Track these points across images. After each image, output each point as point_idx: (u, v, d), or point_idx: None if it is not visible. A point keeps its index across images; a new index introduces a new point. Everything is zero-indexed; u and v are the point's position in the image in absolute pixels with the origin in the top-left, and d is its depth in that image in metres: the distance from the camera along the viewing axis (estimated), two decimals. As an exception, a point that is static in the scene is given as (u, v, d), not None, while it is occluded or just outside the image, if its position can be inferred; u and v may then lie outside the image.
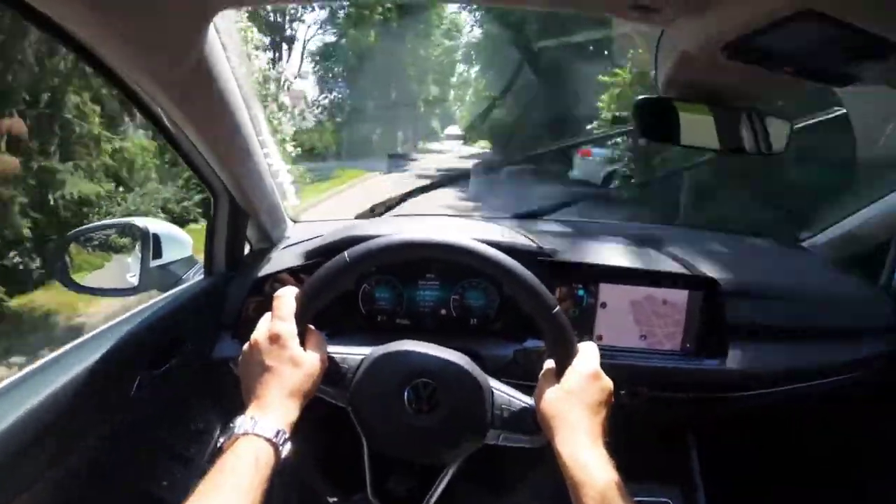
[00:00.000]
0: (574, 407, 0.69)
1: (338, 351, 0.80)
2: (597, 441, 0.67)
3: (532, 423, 0.75)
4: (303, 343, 0.73)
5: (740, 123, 0.82)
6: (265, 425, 0.64)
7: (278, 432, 0.64)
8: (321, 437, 0.83)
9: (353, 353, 0.80)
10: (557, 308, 0.74)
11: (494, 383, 0.79)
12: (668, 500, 0.72)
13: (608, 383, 0.73)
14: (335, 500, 0.84)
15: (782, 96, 0.94)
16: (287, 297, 0.74)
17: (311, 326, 0.76)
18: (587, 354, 0.75)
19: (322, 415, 0.77)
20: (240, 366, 0.73)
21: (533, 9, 2.01)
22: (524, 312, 0.76)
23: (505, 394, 0.79)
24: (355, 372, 0.79)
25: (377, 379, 0.78)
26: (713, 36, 0.62)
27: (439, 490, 0.80)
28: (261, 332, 0.73)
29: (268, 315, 0.74)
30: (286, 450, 0.64)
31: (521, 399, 0.78)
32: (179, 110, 0.79)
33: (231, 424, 0.65)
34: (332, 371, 0.77)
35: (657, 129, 0.79)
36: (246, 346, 0.73)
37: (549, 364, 0.76)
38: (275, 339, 0.71)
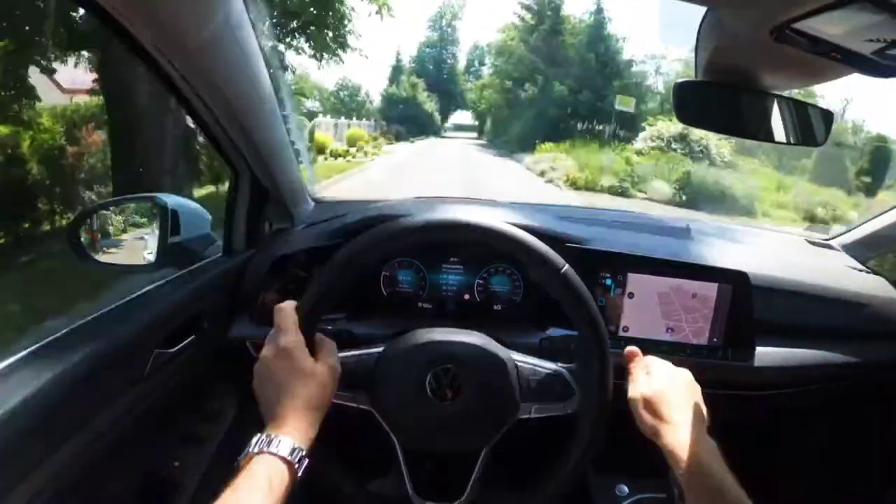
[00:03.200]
0: (677, 409, 0.71)
1: (351, 354, 0.78)
2: (704, 435, 0.70)
3: (562, 388, 0.75)
4: (313, 353, 0.72)
5: (781, 111, 0.79)
6: (280, 444, 0.62)
7: (294, 450, 0.63)
8: (344, 434, 0.82)
9: (366, 353, 0.79)
10: (566, 267, 0.74)
11: (517, 356, 0.79)
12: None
13: (691, 378, 0.77)
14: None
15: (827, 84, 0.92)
16: (288, 310, 0.73)
17: (320, 334, 0.75)
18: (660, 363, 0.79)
19: (343, 411, 0.76)
20: (254, 385, 0.72)
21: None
22: (550, 298, 0.74)
23: (529, 364, 0.78)
24: (372, 372, 0.77)
25: (395, 374, 0.77)
26: (761, 17, 0.59)
27: (481, 475, 0.79)
28: (268, 348, 0.72)
29: (273, 331, 0.73)
30: (303, 468, 0.63)
31: (546, 367, 0.78)
32: (201, 78, 0.77)
33: (249, 443, 0.64)
34: (347, 375, 0.76)
35: (695, 113, 0.76)
36: (257, 365, 0.72)
37: (637, 356, 0.80)
38: (282, 353, 0.70)
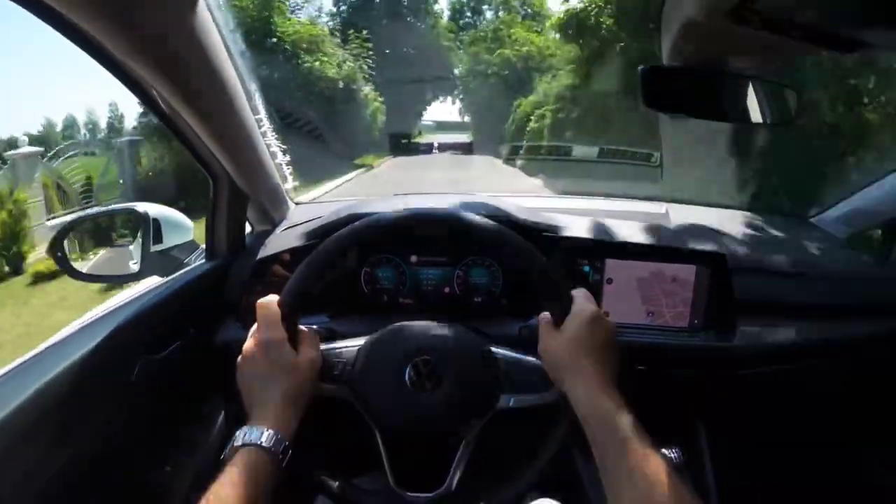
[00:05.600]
0: (581, 353, 0.70)
1: (332, 346, 0.79)
2: (610, 384, 0.67)
3: (539, 379, 0.75)
4: (295, 346, 0.73)
5: (747, 93, 0.80)
6: (263, 435, 0.64)
7: (277, 441, 0.64)
8: (326, 428, 0.83)
9: (347, 346, 0.80)
10: (545, 261, 0.74)
11: (495, 348, 0.79)
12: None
13: (610, 325, 0.74)
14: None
15: (790, 63, 0.93)
16: (270, 304, 0.74)
17: (302, 328, 0.76)
18: (583, 300, 0.75)
19: (325, 405, 0.77)
20: (237, 380, 0.73)
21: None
22: (528, 288, 0.75)
23: (507, 356, 0.79)
24: (353, 364, 0.78)
25: (375, 367, 0.78)
26: (717, 0, 0.60)
27: (461, 465, 0.79)
28: (250, 342, 0.73)
29: (255, 326, 0.74)
30: (287, 458, 0.65)
31: (524, 358, 0.78)
32: (173, 89, 0.78)
33: (233, 436, 0.65)
34: (328, 368, 0.77)
35: (663, 98, 0.77)
36: (239, 359, 0.73)
37: (546, 316, 0.76)
38: (264, 346, 0.71)
